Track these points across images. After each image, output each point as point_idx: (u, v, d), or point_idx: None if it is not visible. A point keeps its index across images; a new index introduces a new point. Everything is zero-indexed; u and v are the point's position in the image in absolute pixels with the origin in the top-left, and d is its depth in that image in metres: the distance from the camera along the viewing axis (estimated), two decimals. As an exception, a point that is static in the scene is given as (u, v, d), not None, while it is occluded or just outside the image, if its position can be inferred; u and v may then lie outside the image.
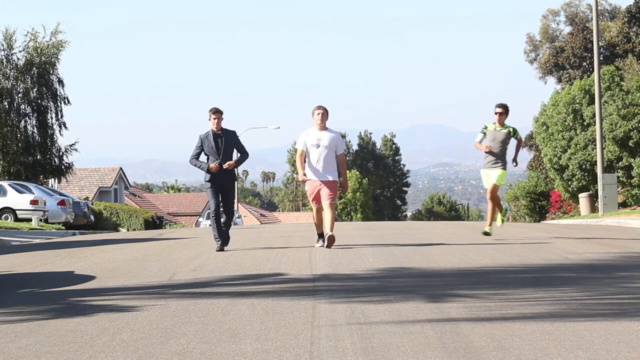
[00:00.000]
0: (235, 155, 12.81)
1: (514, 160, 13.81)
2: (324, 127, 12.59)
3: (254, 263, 10.49)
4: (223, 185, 12.56)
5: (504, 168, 13.58)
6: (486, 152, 13.53)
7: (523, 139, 16.29)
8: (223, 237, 12.53)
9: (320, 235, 12.70)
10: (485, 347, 5.08)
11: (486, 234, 13.82)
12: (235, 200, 47.84)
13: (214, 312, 6.61)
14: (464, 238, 14.53)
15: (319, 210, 12.63)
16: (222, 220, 12.55)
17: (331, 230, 12.21)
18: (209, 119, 12.50)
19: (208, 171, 12.43)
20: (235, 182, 12.95)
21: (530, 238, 14.60)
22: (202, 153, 12.61)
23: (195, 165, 12.65)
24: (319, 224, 12.72)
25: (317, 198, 12.56)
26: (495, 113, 13.66)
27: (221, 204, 12.55)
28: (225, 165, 12.39)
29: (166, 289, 8.20)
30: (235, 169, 12.90)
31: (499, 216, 14.07)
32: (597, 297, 7.13)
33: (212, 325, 6.03)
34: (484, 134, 13.67)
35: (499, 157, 13.56)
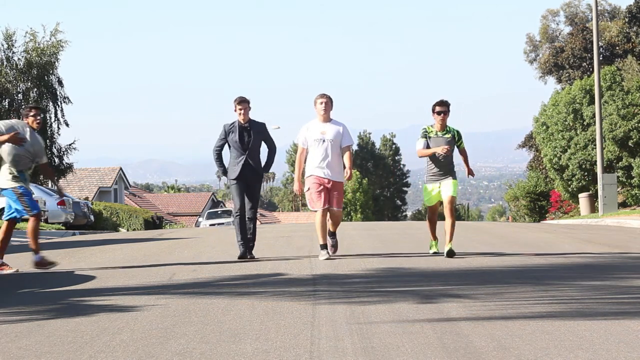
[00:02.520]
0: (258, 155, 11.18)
1: (470, 172, 11.19)
2: (327, 119, 10.77)
3: (254, 263, 10.48)
4: (249, 178, 11.08)
5: (455, 177, 10.99)
6: (439, 156, 10.85)
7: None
8: (247, 242, 11.05)
9: (324, 246, 10.66)
10: (485, 347, 5.08)
11: (439, 253, 11.12)
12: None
13: (214, 312, 6.61)
14: (464, 238, 14.52)
15: (325, 213, 10.63)
16: (247, 217, 11.04)
17: (334, 229, 10.88)
18: (235, 110, 11.07)
19: (224, 173, 11.24)
20: (262, 175, 11.35)
21: (530, 238, 14.61)
22: (226, 145, 11.20)
23: (216, 163, 11.32)
24: (324, 232, 10.68)
25: (325, 197, 10.62)
26: (438, 113, 10.85)
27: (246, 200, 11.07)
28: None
29: (166, 289, 8.20)
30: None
31: (438, 242, 11.37)
32: (597, 297, 7.13)
33: (212, 325, 6.03)
34: (426, 138, 10.90)
35: (447, 166, 10.96)
